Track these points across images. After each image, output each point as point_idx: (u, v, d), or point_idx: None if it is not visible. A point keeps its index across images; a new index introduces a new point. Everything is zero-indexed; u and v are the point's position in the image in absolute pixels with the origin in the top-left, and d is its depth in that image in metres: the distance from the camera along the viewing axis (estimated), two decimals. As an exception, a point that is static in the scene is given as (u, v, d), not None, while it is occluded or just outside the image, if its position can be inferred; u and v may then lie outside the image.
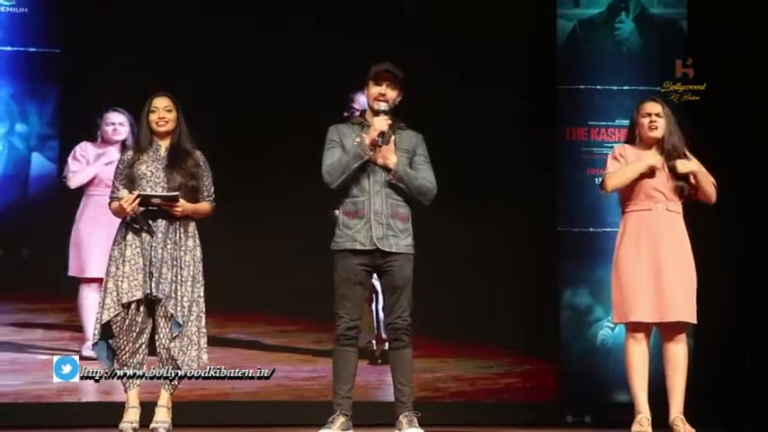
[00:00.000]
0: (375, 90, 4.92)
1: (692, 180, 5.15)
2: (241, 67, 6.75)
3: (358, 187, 4.88)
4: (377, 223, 4.84)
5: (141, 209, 5.00)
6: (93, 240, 6.49)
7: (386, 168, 4.87)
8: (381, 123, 4.84)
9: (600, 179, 5.38)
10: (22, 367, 6.46)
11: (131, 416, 5.06)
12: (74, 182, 6.60)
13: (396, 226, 4.87)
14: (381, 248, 4.83)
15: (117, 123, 6.62)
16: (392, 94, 4.93)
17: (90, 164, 6.60)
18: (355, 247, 4.84)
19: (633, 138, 5.29)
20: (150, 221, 5.02)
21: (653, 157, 5.16)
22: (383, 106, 4.89)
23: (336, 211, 5.01)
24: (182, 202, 5.01)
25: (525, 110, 7.02)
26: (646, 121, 5.21)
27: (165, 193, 5.00)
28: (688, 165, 5.14)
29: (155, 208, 5.01)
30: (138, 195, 4.95)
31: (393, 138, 4.90)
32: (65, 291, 6.58)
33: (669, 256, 5.10)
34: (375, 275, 5.01)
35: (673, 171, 5.13)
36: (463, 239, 6.77)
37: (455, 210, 6.54)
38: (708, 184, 5.16)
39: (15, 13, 6.67)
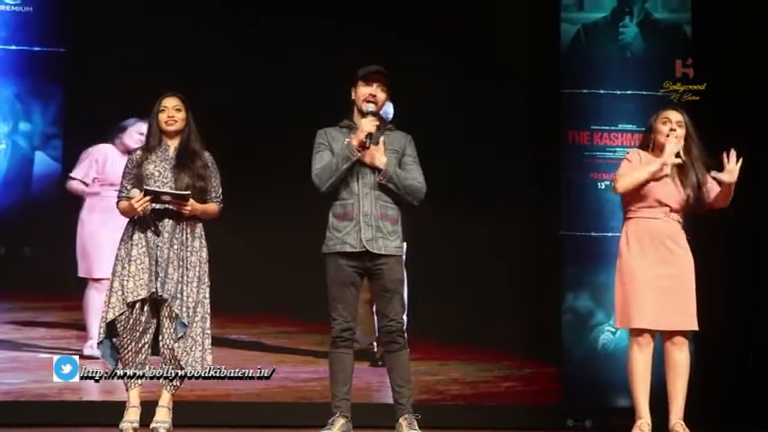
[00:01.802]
0: (365, 90, 4.90)
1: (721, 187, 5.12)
2: (244, 67, 6.76)
3: (347, 190, 4.86)
4: (366, 225, 4.83)
5: (150, 207, 5.00)
6: (99, 240, 6.49)
7: (375, 169, 4.86)
8: (369, 125, 4.83)
9: (611, 183, 5.36)
10: (24, 365, 6.46)
11: (132, 415, 5.05)
12: (73, 186, 6.61)
13: (385, 228, 4.86)
14: (370, 250, 4.82)
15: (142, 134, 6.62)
16: (381, 95, 4.92)
17: (96, 168, 6.60)
18: (345, 249, 4.83)
19: (647, 144, 5.25)
20: (157, 221, 5.02)
21: (668, 157, 5.12)
22: (371, 108, 4.87)
23: None
24: (191, 201, 5.01)
25: (528, 113, 7.02)
26: (665, 128, 5.15)
27: (175, 191, 5.00)
28: (730, 176, 5.08)
29: (163, 206, 5.01)
30: (149, 192, 4.95)
31: (382, 138, 4.90)
32: (67, 289, 6.59)
33: (673, 265, 5.08)
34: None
35: (685, 183, 5.11)
36: (465, 242, 6.77)
37: (457, 213, 6.55)
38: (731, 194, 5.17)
39: (20, 12, 6.69)
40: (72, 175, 6.61)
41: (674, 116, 5.18)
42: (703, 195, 5.14)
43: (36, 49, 6.69)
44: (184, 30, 6.70)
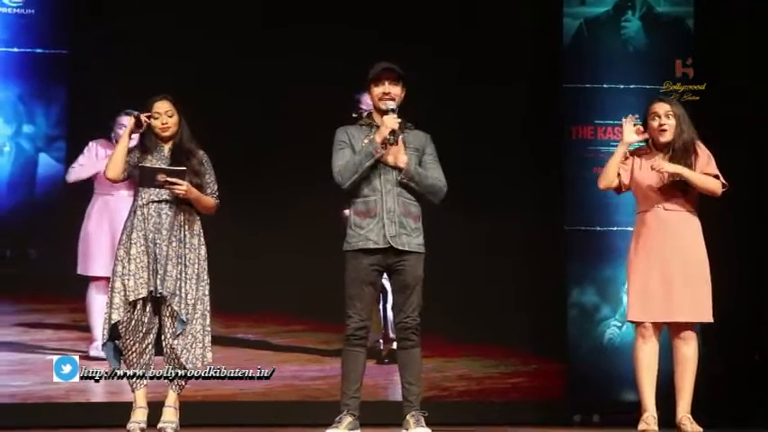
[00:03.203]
0: (378, 90, 4.91)
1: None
2: (246, 68, 6.76)
3: (369, 187, 4.86)
4: (390, 222, 4.83)
5: (145, 195, 5.02)
6: (103, 240, 6.50)
7: (397, 168, 4.87)
8: (392, 122, 4.83)
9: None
10: (30, 367, 6.46)
11: (139, 416, 5.06)
12: (72, 176, 6.60)
13: (408, 224, 4.87)
14: (395, 246, 4.82)
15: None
16: (396, 90, 4.91)
17: (96, 161, 6.60)
18: (368, 246, 4.82)
19: (644, 139, 5.25)
20: (155, 216, 5.02)
21: (628, 135, 5.14)
22: (391, 105, 4.87)
23: (346, 212, 5.00)
24: (186, 184, 5.00)
25: (531, 109, 7.02)
26: (655, 124, 5.15)
27: (170, 168, 5.00)
28: (669, 167, 5.05)
29: (158, 186, 4.99)
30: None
31: (402, 136, 4.90)
32: (72, 291, 6.60)
33: (674, 255, 5.07)
34: (385, 275, 5.00)
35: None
36: (470, 238, 6.77)
37: (462, 209, 6.54)
38: (700, 180, 5.08)
39: (22, 14, 6.69)
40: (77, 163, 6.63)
41: (662, 108, 5.16)
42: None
43: (38, 51, 6.69)
44: (185, 31, 6.70)
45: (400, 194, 4.87)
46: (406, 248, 4.84)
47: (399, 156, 4.86)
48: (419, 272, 4.89)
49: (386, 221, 4.83)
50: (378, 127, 4.89)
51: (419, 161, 4.94)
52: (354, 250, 4.85)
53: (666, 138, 5.13)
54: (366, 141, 4.86)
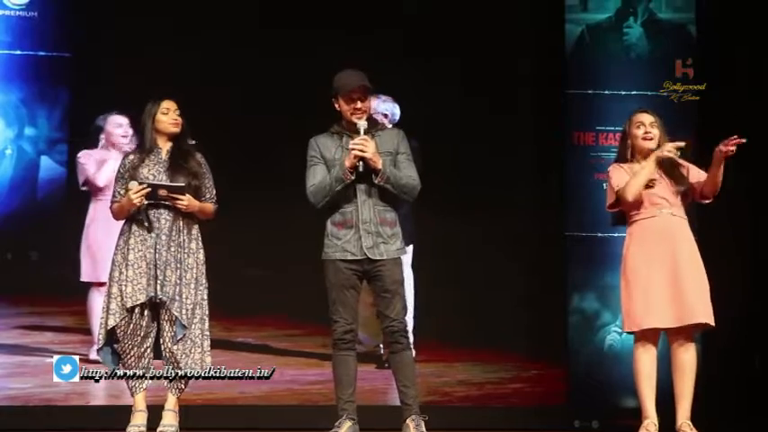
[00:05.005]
0: (348, 107, 4.86)
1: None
2: (246, 69, 6.77)
3: (345, 198, 4.86)
4: (366, 233, 4.83)
5: (146, 202, 5.01)
6: (104, 245, 6.50)
7: (374, 170, 4.82)
8: (360, 147, 4.77)
9: (616, 200, 5.33)
10: (31, 370, 6.47)
11: (139, 419, 5.07)
12: (101, 179, 6.56)
13: (384, 233, 4.86)
14: (371, 258, 4.82)
15: (125, 125, 6.62)
16: (367, 104, 4.91)
17: (101, 163, 6.60)
18: (346, 257, 4.84)
19: (625, 154, 5.26)
20: (154, 221, 5.02)
21: (660, 151, 5.14)
22: (365, 125, 4.85)
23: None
24: (187, 196, 5.01)
25: (533, 114, 7.03)
26: (640, 132, 5.19)
27: (171, 183, 5.00)
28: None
29: (159, 201, 5.00)
30: (148, 185, 4.96)
31: (375, 138, 4.86)
32: (73, 294, 6.60)
33: (682, 261, 5.09)
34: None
35: (672, 175, 5.12)
36: (471, 243, 6.77)
37: (462, 214, 6.56)
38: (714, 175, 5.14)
39: (25, 17, 6.70)
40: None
41: (647, 118, 5.23)
42: (688, 186, 5.16)
43: (41, 53, 6.71)
44: (187, 34, 6.71)
45: (376, 204, 4.86)
46: (384, 257, 4.84)
47: (377, 159, 4.81)
48: (397, 276, 4.89)
49: (362, 233, 4.83)
50: (348, 135, 4.88)
51: (393, 163, 4.90)
52: (332, 260, 4.87)
53: (651, 146, 5.20)
54: (337, 152, 4.85)
